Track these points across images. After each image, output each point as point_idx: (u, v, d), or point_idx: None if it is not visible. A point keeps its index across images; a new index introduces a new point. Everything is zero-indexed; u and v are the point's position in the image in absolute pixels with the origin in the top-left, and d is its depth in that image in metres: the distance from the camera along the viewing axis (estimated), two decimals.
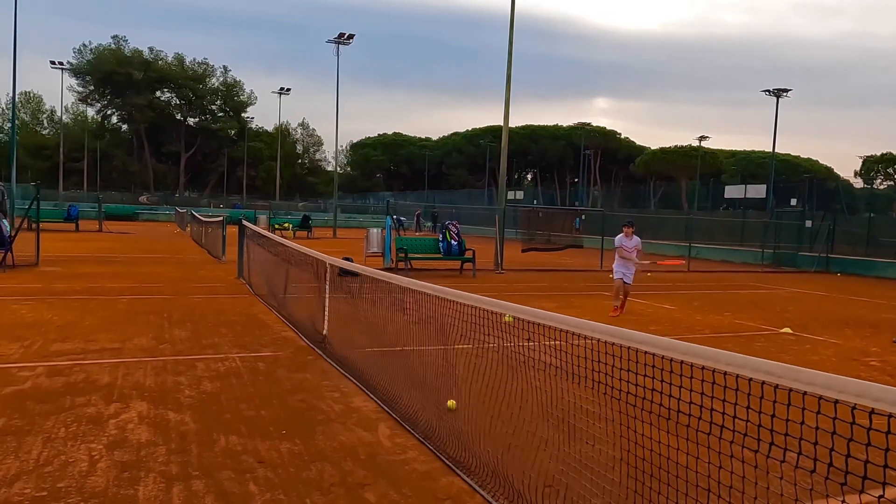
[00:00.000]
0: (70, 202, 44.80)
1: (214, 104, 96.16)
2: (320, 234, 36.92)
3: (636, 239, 12.29)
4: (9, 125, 67.53)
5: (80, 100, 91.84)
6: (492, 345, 4.44)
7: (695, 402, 2.90)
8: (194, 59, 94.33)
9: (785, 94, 51.43)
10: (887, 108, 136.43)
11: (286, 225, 36.04)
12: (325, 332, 8.04)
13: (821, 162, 79.34)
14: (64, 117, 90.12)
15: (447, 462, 4.55)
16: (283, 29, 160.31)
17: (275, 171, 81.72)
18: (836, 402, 2.14)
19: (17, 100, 34.90)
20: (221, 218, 21.86)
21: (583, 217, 31.66)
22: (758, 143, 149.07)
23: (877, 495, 2.27)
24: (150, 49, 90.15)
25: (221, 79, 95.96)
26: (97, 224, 35.27)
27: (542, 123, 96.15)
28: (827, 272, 24.90)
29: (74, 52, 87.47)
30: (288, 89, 70.88)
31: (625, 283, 12.04)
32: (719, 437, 2.90)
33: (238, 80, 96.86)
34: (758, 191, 41.57)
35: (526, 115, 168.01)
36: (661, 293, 15.51)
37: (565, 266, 21.83)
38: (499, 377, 4.49)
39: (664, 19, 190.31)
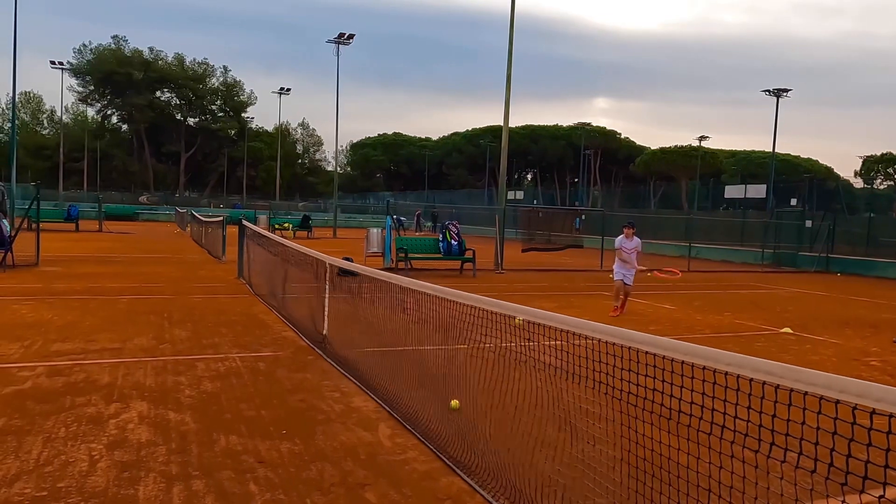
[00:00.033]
0: (70, 202, 44.80)
1: (214, 104, 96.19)
2: (320, 234, 36.92)
3: (636, 240, 12.28)
4: (9, 125, 67.58)
5: (80, 100, 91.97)
6: (492, 345, 4.44)
7: (695, 403, 2.90)
8: (194, 59, 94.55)
9: (785, 94, 51.48)
10: (887, 108, 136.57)
11: (286, 225, 36.04)
12: (325, 332, 8.04)
13: (821, 162, 79.41)
14: (64, 117, 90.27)
15: (447, 462, 4.55)
16: (283, 29, 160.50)
17: (275, 171, 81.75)
18: (837, 402, 2.14)
19: (17, 100, 34.90)
20: (221, 218, 21.86)
21: (583, 217, 31.66)
22: (758, 143, 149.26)
23: (877, 495, 2.27)
24: (150, 49, 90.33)
25: (221, 79, 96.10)
26: (97, 224, 35.26)
27: (542, 123, 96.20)
28: (827, 272, 24.90)
29: (74, 52, 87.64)
30: (288, 89, 70.98)
31: (625, 283, 12.04)
32: (720, 437, 2.90)
33: (238, 80, 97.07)
34: (758, 191, 41.55)
35: (526, 115, 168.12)
36: (662, 293, 15.51)
37: (565, 266, 21.83)
38: (499, 377, 4.49)
39: (664, 19, 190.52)
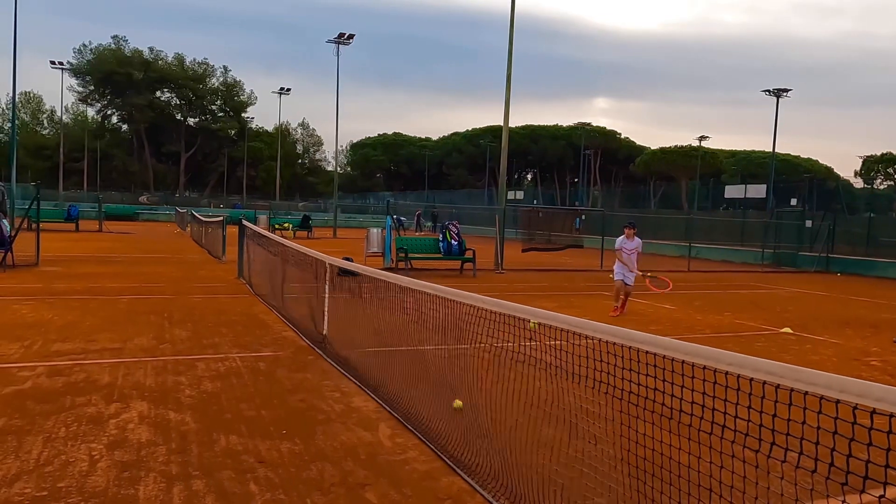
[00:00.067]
0: (70, 202, 44.79)
1: (214, 104, 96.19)
2: (320, 234, 36.92)
3: (637, 240, 12.29)
4: (9, 125, 67.60)
5: (80, 100, 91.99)
6: (492, 344, 4.44)
7: (696, 402, 2.90)
8: (194, 59, 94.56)
9: (785, 94, 51.45)
10: (887, 108, 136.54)
11: (286, 225, 36.04)
12: (325, 331, 8.04)
13: (821, 162, 79.39)
14: (64, 117, 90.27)
15: (448, 461, 4.55)
16: (283, 29, 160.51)
17: (275, 171, 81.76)
18: (838, 402, 2.14)
19: (17, 100, 34.90)
20: (221, 218, 21.87)
21: (583, 217, 31.64)
22: (758, 143, 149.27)
23: (877, 495, 2.27)
24: (150, 49, 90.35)
25: (221, 79, 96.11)
26: (97, 224, 35.25)
27: (542, 123, 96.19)
28: (827, 272, 24.90)
29: (74, 52, 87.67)
30: (288, 89, 71.00)
31: (625, 283, 12.04)
32: (720, 436, 2.90)
33: (238, 80, 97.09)
34: (758, 191, 41.55)
35: (526, 115, 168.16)
36: (662, 293, 15.51)
37: (565, 266, 21.82)
38: (499, 377, 4.49)
39: (664, 19, 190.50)
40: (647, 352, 2.97)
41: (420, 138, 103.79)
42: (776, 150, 52.99)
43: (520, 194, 64.12)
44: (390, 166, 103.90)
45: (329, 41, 48.20)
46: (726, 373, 2.56)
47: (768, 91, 51.95)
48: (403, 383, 5.81)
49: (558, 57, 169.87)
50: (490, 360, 4.58)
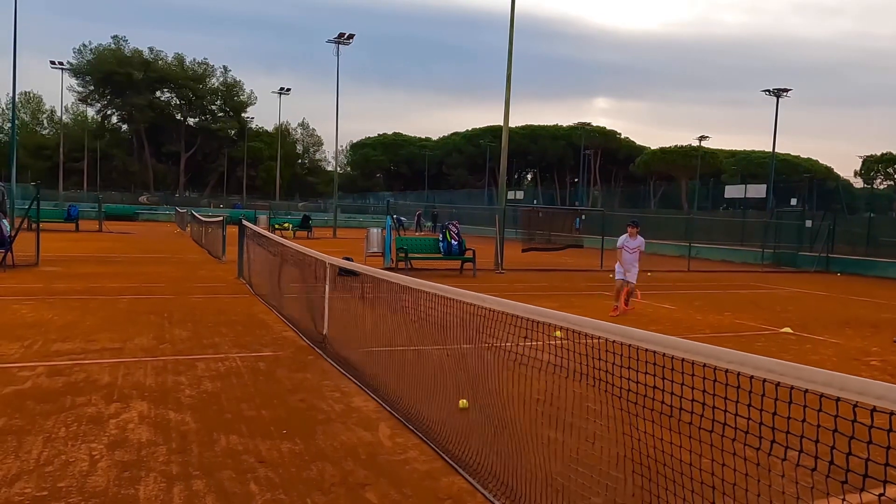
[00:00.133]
0: (70, 202, 44.79)
1: (214, 104, 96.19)
2: (320, 234, 36.92)
3: (640, 239, 12.29)
4: (9, 125, 67.59)
5: (80, 100, 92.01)
6: (491, 344, 4.43)
7: (696, 400, 2.90)
8: (194, 59, 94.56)
9: (785, 94, 51.47)
10: (887, 108, 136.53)
11: (286, 225, 36.04)
12: (325, 331, 8.04)
13: (821, 162, 79.33)
14: (64, 117, 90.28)
15: (448, 461, 4.55)
16: (283, 29, 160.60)
17: (275, 171, 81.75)
18: (838, 400, 2.14)
19: (17, 100, 34.90)
20: (221, 218, 21.86)
21: (583, 217, 31.65)
22: (758, 143, 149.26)
23: (878, 494, 2.27)
24: (150, 49, 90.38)
25: (221, 79, 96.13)
26: (97, 224, 35.25)
27: (542, 123, 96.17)
28: (827, 272, 24.90)
29: (74, 52, 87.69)
30: (288, 89, 70.98)
31: (627, 282, 12.04)
32: (721, 434, 2.90)
33: (238, 80, 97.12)
34: (758, 191, 41.56)
35: (526, 115, 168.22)
36: (662, 293, 15.51)
37: (565, 266, 21.82)
38: (499, 376, 4.49)
39: (664, 19, 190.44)
40: (647, 350, 2.97)
41: (420, 138, 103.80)
42: (776, 150, 53.01)
43: (520, 194, 64.13)
44: (390, 166, 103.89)
45: (329, 41, 48.23)
46: (726, 371, 2.56)
47: (768, 91, 51.97)
48: (403, 383, 5.81)
49: (558, 57, 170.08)
50: (491, 360, 4.58)
